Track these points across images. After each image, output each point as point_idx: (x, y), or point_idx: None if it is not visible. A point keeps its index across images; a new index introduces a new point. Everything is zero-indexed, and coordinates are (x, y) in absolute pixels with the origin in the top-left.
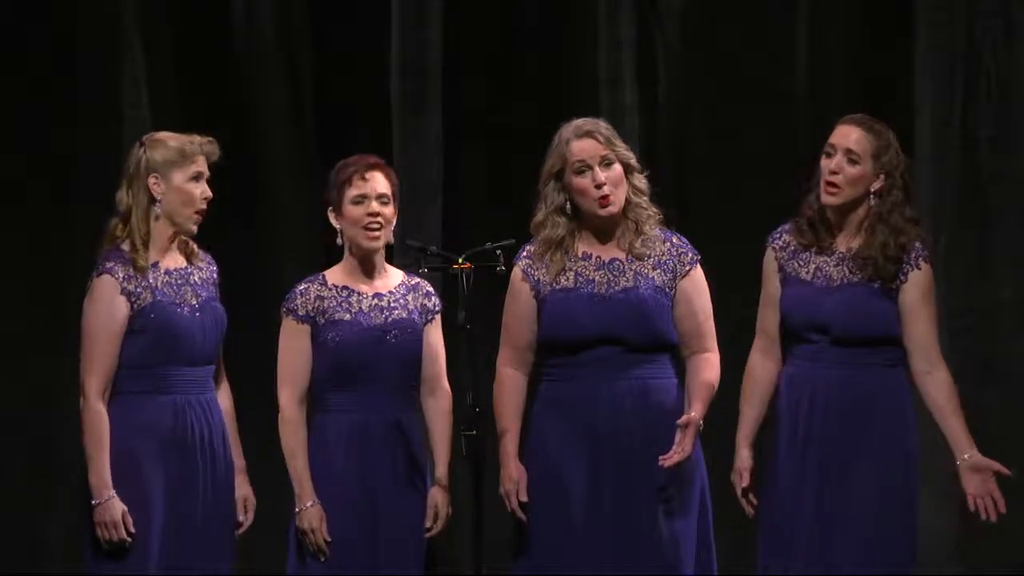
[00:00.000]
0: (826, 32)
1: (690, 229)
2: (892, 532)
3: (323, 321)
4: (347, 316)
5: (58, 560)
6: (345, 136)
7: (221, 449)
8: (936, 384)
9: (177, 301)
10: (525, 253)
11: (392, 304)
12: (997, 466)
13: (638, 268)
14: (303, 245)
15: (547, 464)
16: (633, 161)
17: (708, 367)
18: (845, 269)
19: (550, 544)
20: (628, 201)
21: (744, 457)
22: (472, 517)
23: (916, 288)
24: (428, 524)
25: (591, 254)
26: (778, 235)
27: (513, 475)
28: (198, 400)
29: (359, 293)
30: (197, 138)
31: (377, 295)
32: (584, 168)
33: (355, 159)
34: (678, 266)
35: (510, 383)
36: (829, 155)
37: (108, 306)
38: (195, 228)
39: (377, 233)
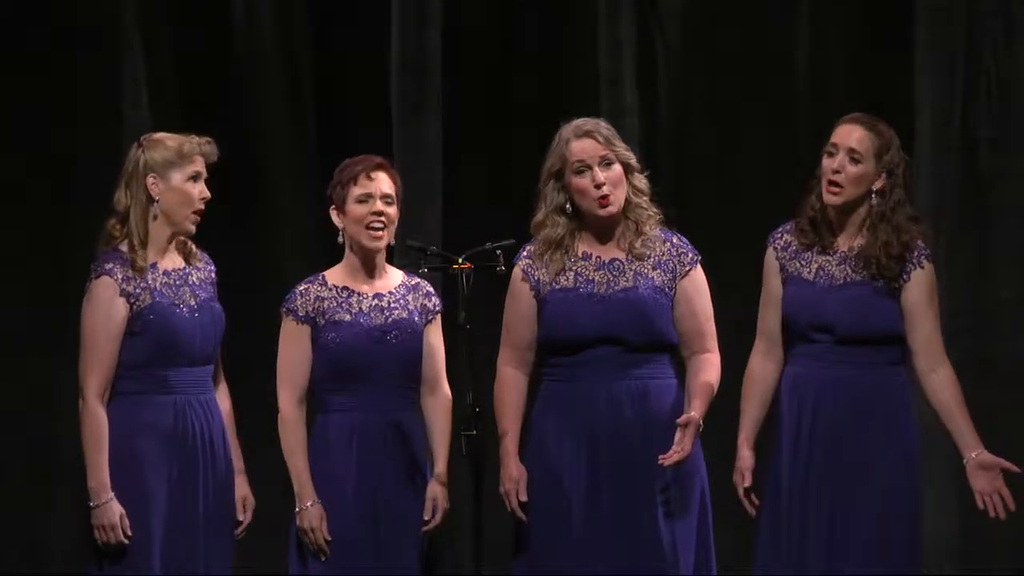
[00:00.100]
0: (826, 32)
1: (690, 229)
2: (896, 533)
3: (323, 322)
4: (347, 317)
5: (58, 560)
6: (345, 136)
7: (221, 449)
8: (941, 382)
9: (176, 302)
10: (525, 253)
11: (392, 304)
12: (1005, 463)
13: (638, 268)
14: (303, 245)
15: (547, 464)
16: (633, 161)
17: (708, 367)
18: (848, 268)
19: (549, 544)
20: (628, 201)
21: (746, 457)
22: (472, 517)
23: (919, 287)
24: (427, 517)
25: (591, 254)
26: (779, 235)
27: (513, 475)
28: (198, 400)
29: (359, 294)
30: (195, 138)
31: (377, 295)
32: (583, 168)
33: (360, 158)
34: (678, 266)
35: (510, 383)
36: (831, 154)
37: (107, 308)
38: (193, 228)
39: (380, 232)
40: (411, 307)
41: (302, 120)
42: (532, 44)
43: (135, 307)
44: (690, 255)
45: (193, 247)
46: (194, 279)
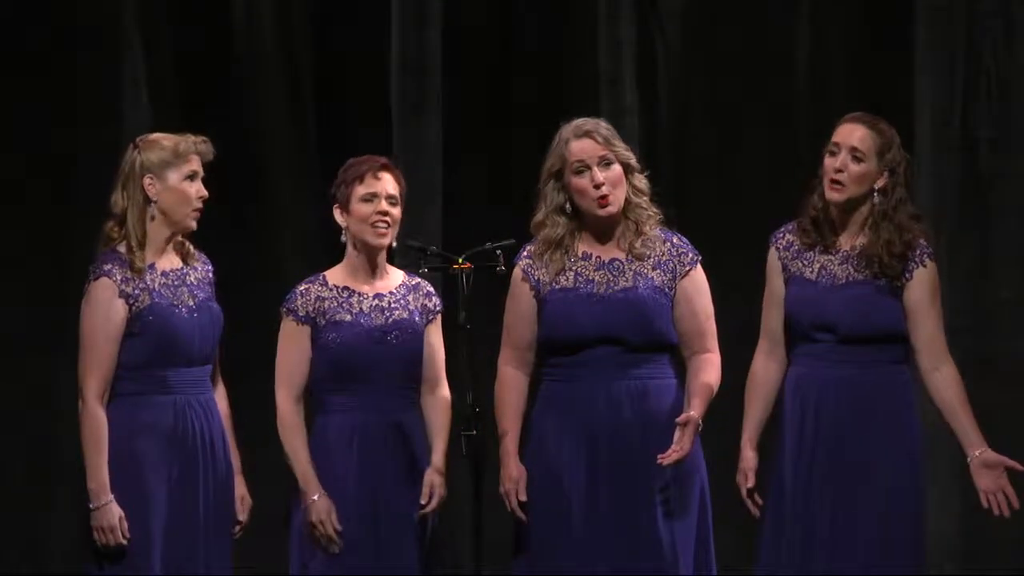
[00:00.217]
0: (826, 32)
1: (690, 229)
2: (899, 533)
3: (323, 322)
4: (348, 317)
5: (58, 560)
6: (345, 136)
7: (221, 449)
8: (944, 381)
9: (175, 303)
10: (526, 253)
11: (393, 305)
12: (1009, 462)
13: (638, 268)
14: (303, 245)
15: (546, 464)
16: (633, 161)
17: (708, 367)
18: (850, 267)
19: (549, 544)
20: (628, 201)
21: (749, 458)
22: (472, 517)
23: (922, 286)
24: (423, 502)
25: (591, 254)
26: (781, 235)
27: (513, 475)
28: (197, 400)
29: (360, 294)
30: (191, 137)
31: (378, 295)
32: (583, 168)
33: (366, 158)
34: (678, 266)
35: (511, 383)
36: (833, 153)
37: (106, 309)
38: (194, 225)
39: (385, 231)
40: (412, 307)
41: (302, 120)
42: (532, 44)
43: (134, 308)
44: (690, 255)
45: (191, 247)
46: (192, 279)
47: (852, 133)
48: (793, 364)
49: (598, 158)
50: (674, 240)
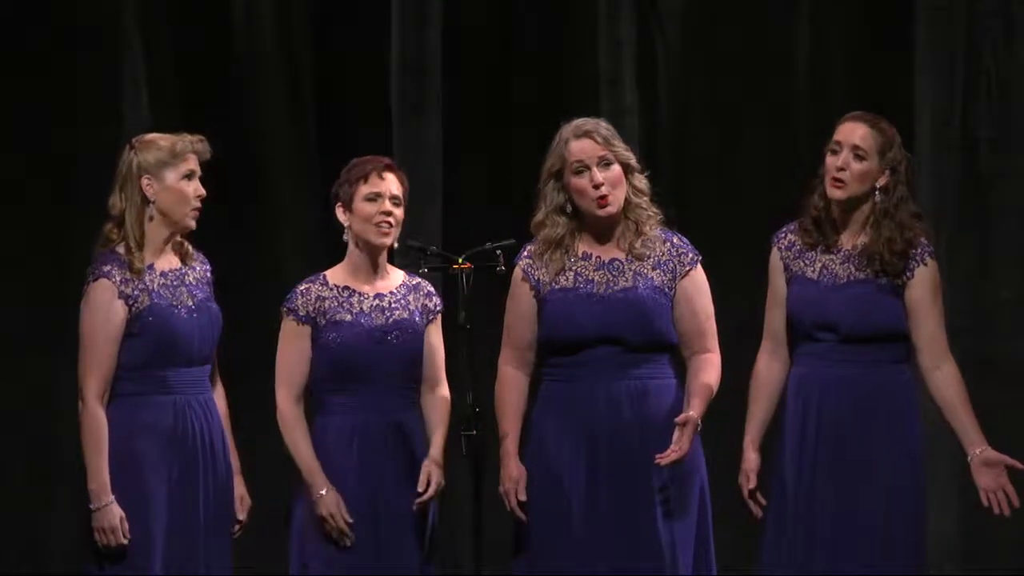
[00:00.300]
0: (826, 32)
1: (690, 229)
2: (900, 533)
3: (324, 322)
4: (348, 317)
5: (58, 560)
6: (345, 136)
7: (221, 449)
8: (945, 379)
9: (174, 303)
10: (526, 253)
11: (393, 305)
12: (1009, 460)
13: (637, 268)
14: (303, 245)
15: (546, 464)
16: (633, 161)
17: (708, 367)
18: (851, 266)
19: (549, 544)
20: (628, 202)
21: (751, 459)
22: (472, 517)
23: (923, 284)
24: (420, 489)
25: (591, 254)
26: (783, 235)
27: (513, 474)
28: (197, 400)
29: (360, 294)
30: (187, 136)
31: (378, 295)
32: (582, 168)
33: (370, 158)
34: (678, 266)
35: (511, 383)
36: (835, 152)
37: (105, 310)
38: (194, 224)
39: (388, 231)
40: (412, 307)
41: (302, 120)
42: (532, 44)
43: (133, 309)
44: (690, 255)
45: (189, 247)
46: (190, 279)
47: (854, 131)
48: (795, 364)
49: (597, 158)
50: (674, 240)
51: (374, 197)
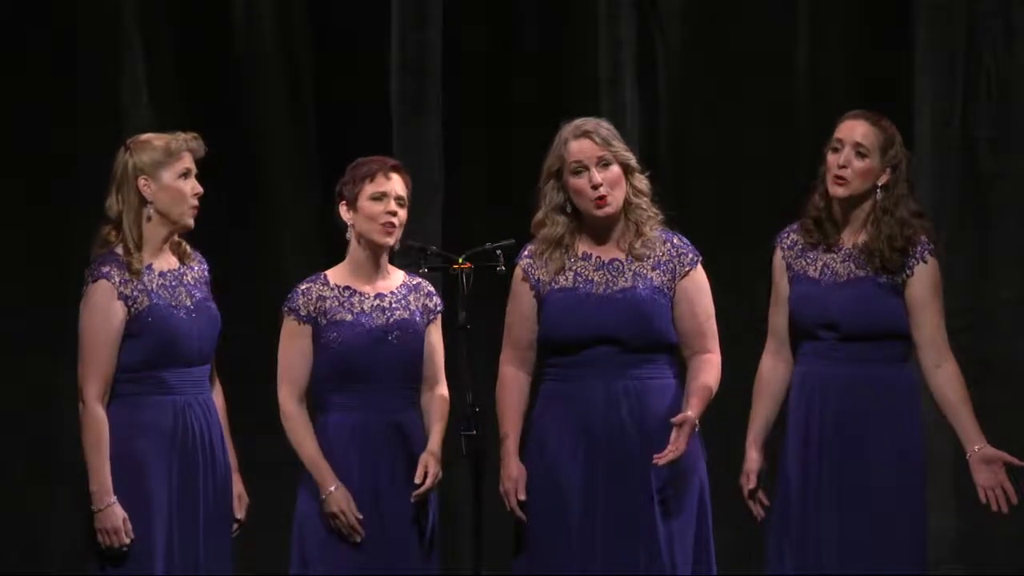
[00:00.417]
0: (826, 32)
1: (690, 229)
2: (902, 533)
3: (325, 322)
4: (349, 317)
5: (58, 560)
6: (345, 136)
7: (220, 449)
8: (946, 377)
9: (173, 304)
10: (526, 252)
11: (394, 305)
12: (1008, 457)
13: (637, 268)
14: (303, 245)
15: (545, 463)
16: (633, 162)
17: (708, 367)
18: (852, 265)
19: (548, 543)
20: (628, 202)
21: (752, 459)
22: (472, 517)
23: (922, 282)
24: (417, 480)
25: (591, 254)
26: (786, 234)
27: (512, 474)
28: (197, 400)
29: (361, 293)
30: (181, 135)
31: (379, 295)
32: (581, 169)
33: (375, 158)
34: (678, 267)
35: (512, 383)
36: (836, 150)
37: (105, 311)
38: (192, 222)
39: (392, 231)
40: (412, 307)
41: (302, 120)
42: (532, 44)
43: (133, 310)
44: (690, 255)
45: (187, 247)
46: (189, 279)
47: (855, 129)
48: (797, 363)
49: (596, 159)
50: (674, 240)
51: (380, 196)
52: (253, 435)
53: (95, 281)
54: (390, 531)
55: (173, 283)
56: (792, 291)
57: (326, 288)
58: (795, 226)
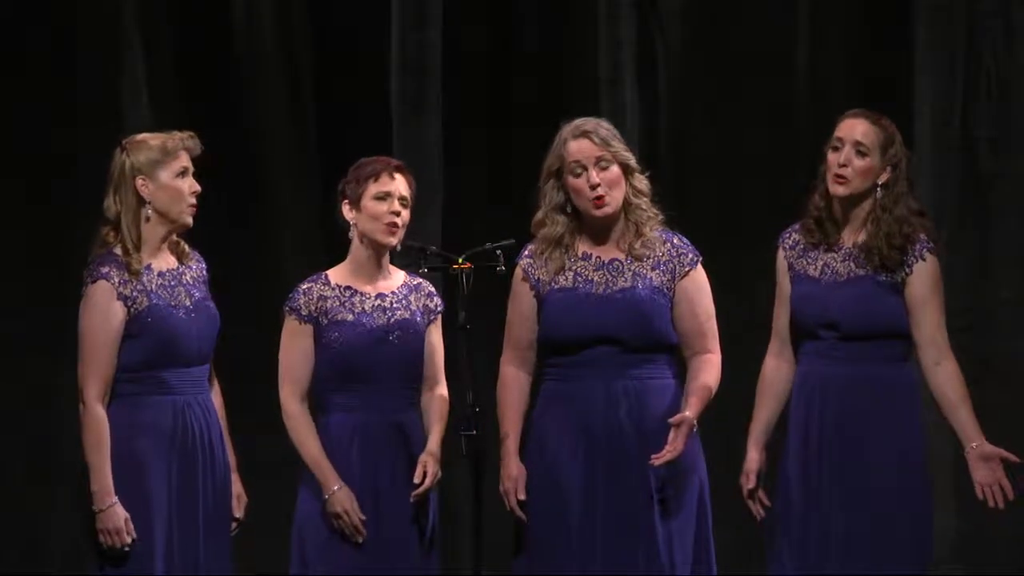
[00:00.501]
0: (826, 32)
1: (690, 229)
2: (905, 533)
3: (326, 321)
4: (350, 317)
5: (58, 560)
6: (345, 136)
7: (220, 449)
8: (945, 375)
9: (172, 304)
10: (527, 252)
11: (395, 305)
12: (1005, 453)
13: (637, 269)
14: (303, 245)
15: (545, 463)
16: (632, 162)
17: (708, 367)
18: (852, 264)
19: (547, 543)
20: (628, 202)
21: (752, 459)
22: (472, 517)
23: (921, 280)
24: (416, 480)
25: (591, 254)
26: (788, 235)
27: (512, 473)
28: (196, 400)
29: (362, 293)
30: (177, 134)
31: (380, 295)
32: (579, 169)
33: (379, 158)
34: (678, 267)
35: (512, 383)
36: (836, 148)
37: (104, 312)
38: (191, 221)
39: (395, 231)
40: (413, 307)
41: (302, 120)
42: (532, 44)
43: (132, 310)
44: (690, 255)
45: (185, 246)
46: (187, 278)
47: (855, 128)
48: (799, 363)
49: (595, 159)
50: (675, 240)
51: (383, 196)
52: (253, 435)
53: (95, 282)
54: (390, 531)
55: (172, 283)
56: (793, 291)
57: (327, 288)
58: (797, 226)
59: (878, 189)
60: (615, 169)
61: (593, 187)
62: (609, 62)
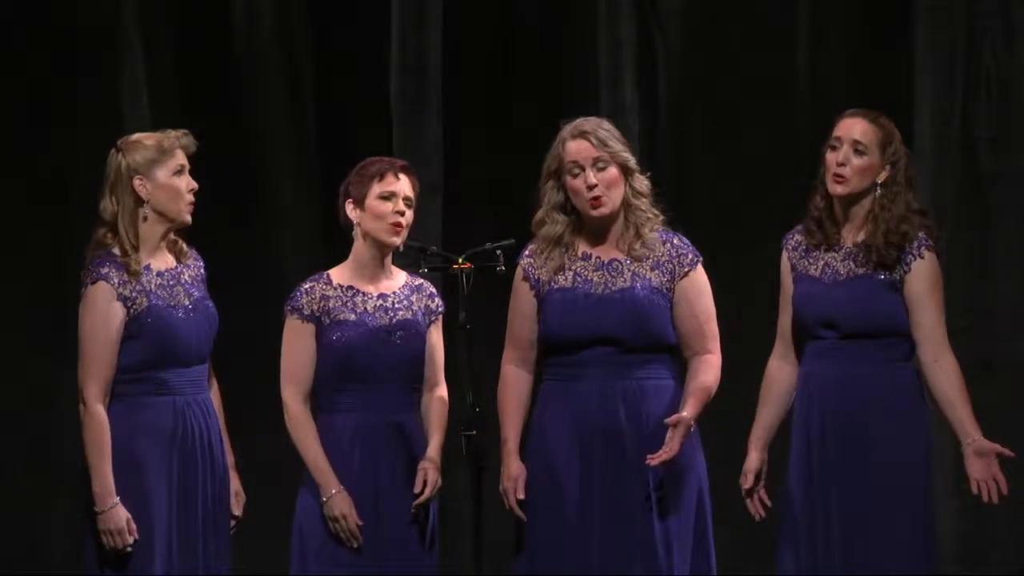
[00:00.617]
0: (826, 32)
1: (690, 229)
2: (907, 532)
3: (328, 321)
4: (352, 316)
5: (58, 560)
6: (345, 136)
7: (219, 449)
8: (944, 372)
9: (171, 303)
10: (527, 252)
11: (397, 305)
12: (1001, 449)
13: (636, 269)
14: (303, 245)
15: (544, 463)
16: (632, 163)
17: (707, 368)
18: (851, 263)
19: (547, 543)
20: (627, 203)
21: (752, 459)
22: (472, 517)
23: (919, 278)
24: (416, 490)
25: (591, 254)
26: (791, 235)
27: (512, 473)
28: (195, 400)
29: (364, 293)
30: (172, 132)
31: (382, 295)
32: (577, 169)
33: (384, 158)
34: (677, 267)
35: (513, 382)
36: (835, 148)
37: (104, 313)
38: (190, 218)
39: (399, 231)
40: (415, 308)
41: (302, 120)
42: (532, 44)
43: (132, 311)
44: (690, 256)
45: (183, 244)
46: (186, 277)
47: (854, 127)
48: (801, 363)
49: (592, 159)
50: (674, 241)
51: (388, 196)
52: (253, 435)
53: (94, 283)
54: (390, 531)
55: (171, 282)
56: (795, 291)
57: (329, 287)
58: (800, 227)
59: (877, 188)
60: (613, 170)
61: (590, 188)
62: (609, 62)
